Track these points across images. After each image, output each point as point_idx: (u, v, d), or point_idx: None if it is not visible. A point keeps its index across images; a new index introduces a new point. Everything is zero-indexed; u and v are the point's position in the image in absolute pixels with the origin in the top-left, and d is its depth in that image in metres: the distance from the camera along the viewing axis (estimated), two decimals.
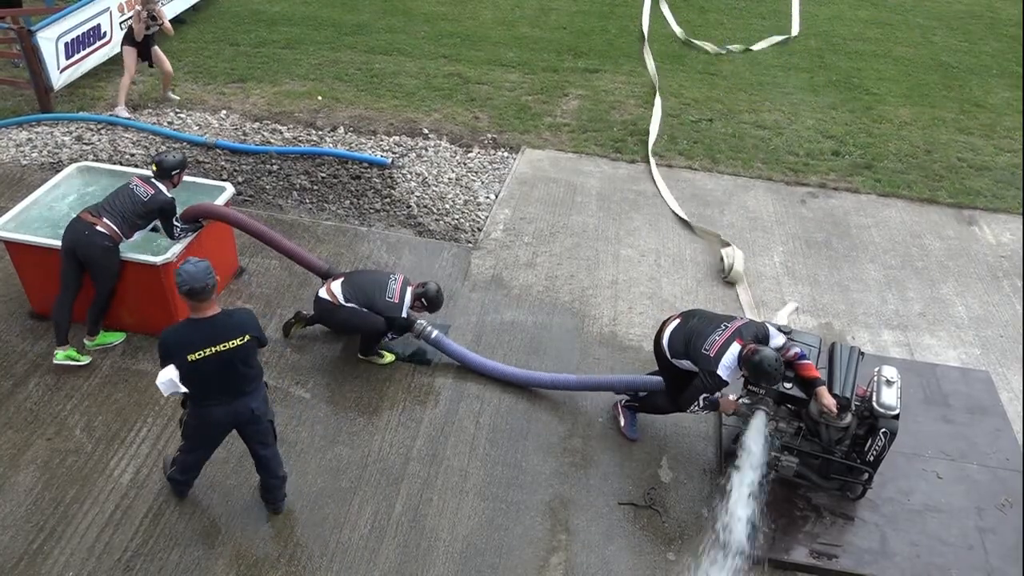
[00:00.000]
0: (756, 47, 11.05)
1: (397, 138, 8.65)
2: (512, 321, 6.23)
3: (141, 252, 5.59)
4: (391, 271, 6.02)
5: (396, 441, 5.18)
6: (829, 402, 4.54)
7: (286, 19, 11.59)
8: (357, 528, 4.65)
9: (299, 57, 10.43)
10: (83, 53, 9.41)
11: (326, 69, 10.14)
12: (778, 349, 4.62)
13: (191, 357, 4.04)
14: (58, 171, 6.93)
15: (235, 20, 11.54)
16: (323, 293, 5.58)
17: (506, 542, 4.62)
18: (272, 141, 8.51)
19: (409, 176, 7.98)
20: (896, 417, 4.61)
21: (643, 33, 11.01)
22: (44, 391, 5.39)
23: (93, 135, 8.45)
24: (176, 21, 11.12)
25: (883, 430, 4.59)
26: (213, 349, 4.07)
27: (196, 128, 8.69)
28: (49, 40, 8.75)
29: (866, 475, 4.81)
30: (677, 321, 4.93)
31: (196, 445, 4.47)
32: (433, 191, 7.77)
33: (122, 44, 8.93)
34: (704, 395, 4.65)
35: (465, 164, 8.27)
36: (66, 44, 9.06)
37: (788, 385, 4.69)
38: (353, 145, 8.50)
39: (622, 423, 5.32)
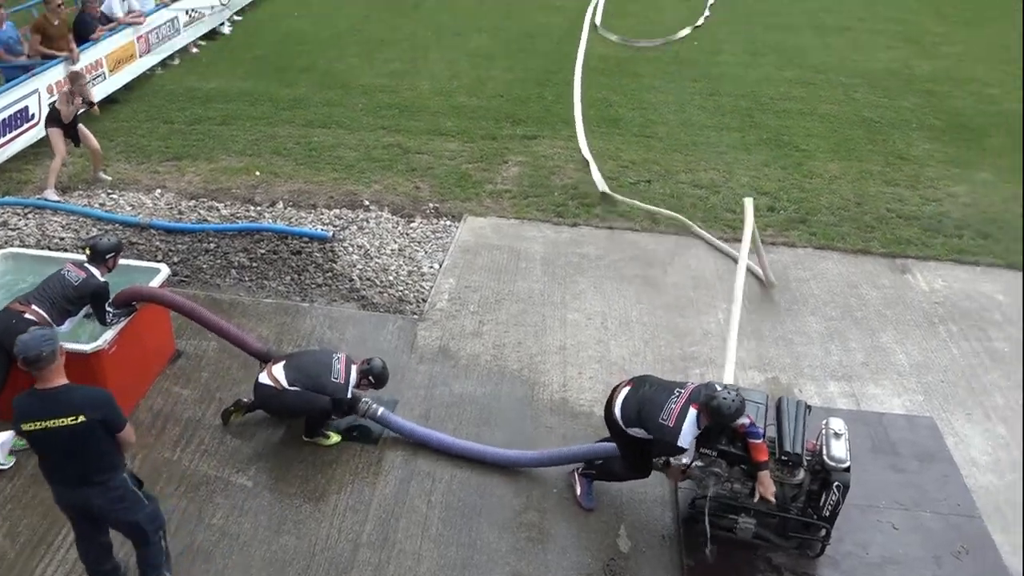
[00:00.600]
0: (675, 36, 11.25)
1: (338, 211, 8.64)
2: (461, 393, 6.17)
3: (71, 340, 5.41)
4: (334, 349, 5.93)
5: (344, 527, 5.02)
6: (768, 492, 4.59)
7: (221, 95, 11.61)
8: None
9: (235, 133, 10.42)
10: (9, 136, 9.25)
11: (263, 144, 10.14)
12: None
13: (24, 427, 3.88)
14: None
15: (169, 98, 11.52)
16: (264, 378, 5.43)
17: None
18: (209, 219, 8.41)
19: (351, 249, 7.94)
20: (847, 470, 4.65)
21: (576, 106, 11.32)
22: None
23: (20, 220, 8.24)
24: (108, 100, 11.07)
25: (836, 483, 4.63)
26: (43, 423, 3.85)
27: (129, 208, 8.55)
28: None
29: (823, 531, 4.82)
30: (628, 388, 4.92)
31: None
32: (376, 263, 7.74)
33: (46, 126, 8.81)
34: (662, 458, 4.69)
35: (408, 234, 8.28)
36: None
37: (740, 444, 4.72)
38: (293, 220, 8.45)
39: (578, 491, 5.26)
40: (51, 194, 8.63)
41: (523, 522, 5.11)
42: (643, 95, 12.02)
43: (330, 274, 7.56)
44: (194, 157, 9.74)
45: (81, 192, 8.88)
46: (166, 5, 12.67)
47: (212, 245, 7.91)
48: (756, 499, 4.67)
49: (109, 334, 5.48)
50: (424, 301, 7.24)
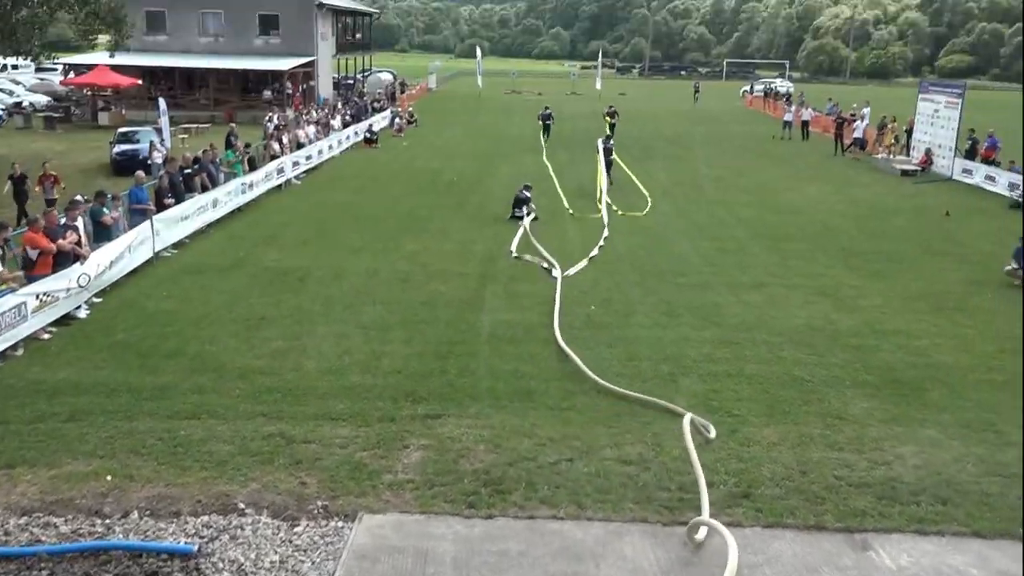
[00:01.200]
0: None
1: (206, 518, 8.27)
2: None
3: None
4: None
5: None
6: None
7: (71, 387, 11.40)
8: None
9: (85, 431, 10.10)
10: None
11: (119, 442, 9.83)
12: None
13: None
14: None
15: (7, 393, 11.21)
16: None
17: None
18: (43, 539, 7.88)
19: (221, 565, 7.51)
20: None
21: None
22: None
23: None
24: None
25: None
26: None
27: None
28: None
29: None
30: None
31: None
32: None
33: None
34: None
35: (291, 541, 7.93)
36: None
37: None
38: (150, 533, 8.02)
39: None
40: None
41: None
42: (557, 364, 12.47)
43: None
44: (31, 463, 9.31)
45: None
46: (13, 291, 12.75)
47: (44, 572, 7.35)
48: None
49: None
50: None
